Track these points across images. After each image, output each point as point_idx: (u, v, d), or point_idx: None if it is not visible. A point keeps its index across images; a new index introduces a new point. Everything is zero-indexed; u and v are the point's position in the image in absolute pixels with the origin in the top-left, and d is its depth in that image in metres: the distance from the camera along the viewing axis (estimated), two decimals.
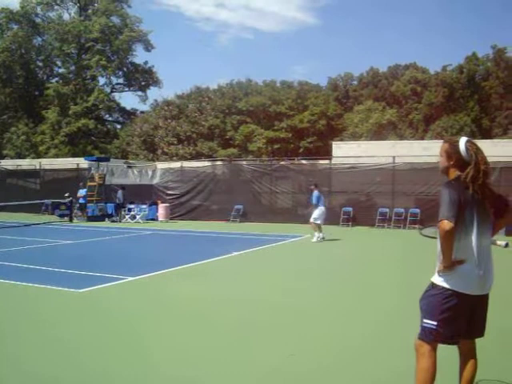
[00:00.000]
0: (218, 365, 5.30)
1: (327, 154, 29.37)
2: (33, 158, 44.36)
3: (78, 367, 5.22)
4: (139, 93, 58.85)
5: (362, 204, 23.85)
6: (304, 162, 28.62)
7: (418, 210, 22.23)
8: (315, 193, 17.07)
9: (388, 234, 20.57)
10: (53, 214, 28.08)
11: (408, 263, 12.61)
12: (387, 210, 23.00)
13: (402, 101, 51.03)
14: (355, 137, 41.37)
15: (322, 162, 26.98)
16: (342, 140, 37.26)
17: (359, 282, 10.17)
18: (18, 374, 5.04)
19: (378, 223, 22.87)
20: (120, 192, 26.39)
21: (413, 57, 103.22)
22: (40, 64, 58.14)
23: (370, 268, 11.91)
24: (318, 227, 16.83)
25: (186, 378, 4.96)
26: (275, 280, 10.39)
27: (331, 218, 23.33)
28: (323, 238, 16.76)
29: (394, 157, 23.03)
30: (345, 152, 25.70)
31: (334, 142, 29.12)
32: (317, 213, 16.79)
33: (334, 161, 25.44)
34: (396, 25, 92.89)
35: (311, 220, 16.99)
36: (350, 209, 23.72)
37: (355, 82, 58.68)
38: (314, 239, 16.67)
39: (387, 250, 15.65)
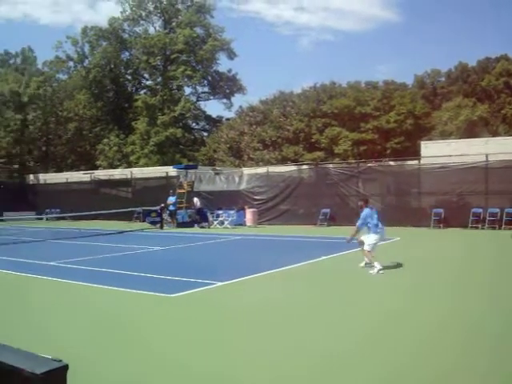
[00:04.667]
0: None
1: (415, 154, 28.54)
2: (124, 167, 46.00)
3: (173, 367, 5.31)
4: (224, 100, 59.91)
5: (453, 205, 23.00)
6: (392, 163, 27.98)
7: None
8: (365, 211, 12.01)
9: (483, 236, 19.73)
10: (144, 221, 28.96)
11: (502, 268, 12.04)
12: (481, 210, 22.06)
13: (493, 95, 48.90)
14: (444, 135, 40.03)
15: (410, 162, 26.30)
16: (430, 139, 36.10)
17: (452, 286, 9.81)
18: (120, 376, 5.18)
19: (472, 224, 21.99)
20: (196, 199, 27.59)
21: (504, 48, 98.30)
22: (128, 77, 60.49)
23: (460, 271, 11.46)
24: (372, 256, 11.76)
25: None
26: (367, 285, 10.21)
27: (421, 220, 22.74)
28: (380, 270, 11.30)
29: (486, 155, 22.09)
30: (434, 151, 24.89)
31: (422, 142, 28.26)
32: (370, 239, 11.86)
33: (422, 161, 24.72)
34: (484, 15, 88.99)
35: (365, 248, 11.87)
36: (441, 210, 22.95)
37: (443, 79, 56.88)
38: (374, 270, 11.30)
39: (481, 253, 15.02)
